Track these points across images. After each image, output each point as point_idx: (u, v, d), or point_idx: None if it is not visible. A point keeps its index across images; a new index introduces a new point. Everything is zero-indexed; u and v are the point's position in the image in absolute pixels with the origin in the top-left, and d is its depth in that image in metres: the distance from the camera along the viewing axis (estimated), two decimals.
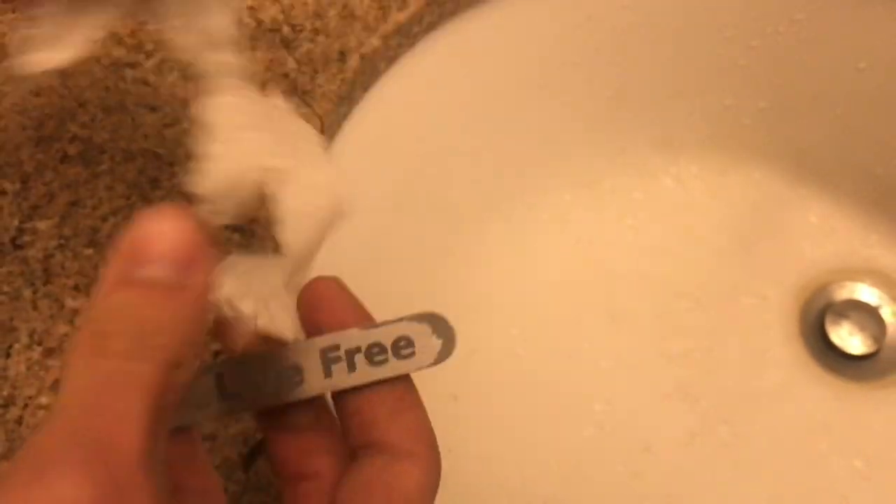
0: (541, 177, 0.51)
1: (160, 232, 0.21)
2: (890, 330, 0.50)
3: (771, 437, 0.47)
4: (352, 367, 0.24)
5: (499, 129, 0.48)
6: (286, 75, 0.36)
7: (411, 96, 0.42)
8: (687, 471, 0.47)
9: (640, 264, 0.52)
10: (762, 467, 0.47)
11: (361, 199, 0.35)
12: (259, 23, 0.37)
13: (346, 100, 0.37)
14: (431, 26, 0.40)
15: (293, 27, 0.37)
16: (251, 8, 0.38)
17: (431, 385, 0.30)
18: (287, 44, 0.37)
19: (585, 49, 0.46)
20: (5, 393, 0.31)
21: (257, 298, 0.22)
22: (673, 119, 0.52)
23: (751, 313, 0.51)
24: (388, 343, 0.24)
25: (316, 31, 0.37)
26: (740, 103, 0.51)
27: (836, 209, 0.53)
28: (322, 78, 0.36)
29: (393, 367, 0.24)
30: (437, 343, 0.24)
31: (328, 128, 0.37)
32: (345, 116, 0.38)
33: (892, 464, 0.47)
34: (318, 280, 0.25)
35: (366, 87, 0.39)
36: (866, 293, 0.51)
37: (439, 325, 0.24)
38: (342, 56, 0.37)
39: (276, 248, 0.24)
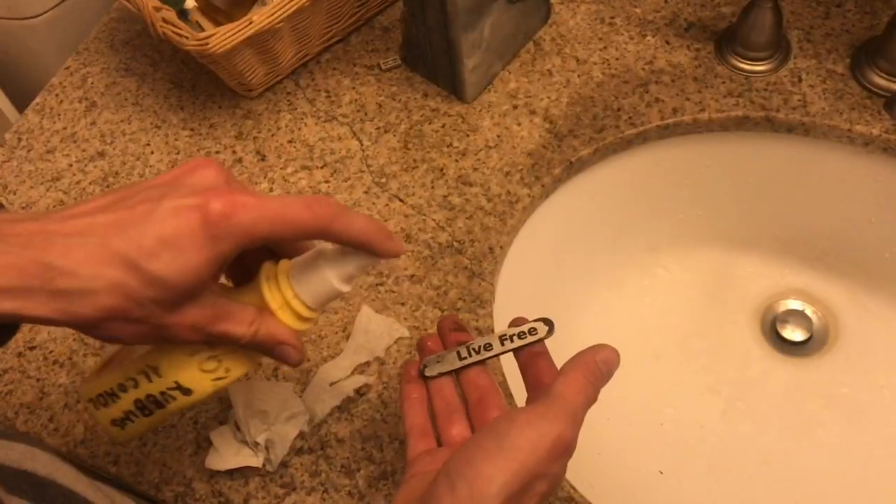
0: (594, 274, 0.79)
1: None
2: (815, 322, 0.77)
3: (766, 399, 0.74)
4: (513, 341, 0.47)
5: (587, 246, 0.76)
6: (466, 267, 0.66)
7: (542, 230, 0.70)
8: (725, 434, 0.73)
9: (659, 321, 0.79)
10: (767, 418, 0.73)
11: (531, 269, 0.62)
12: (440, 244, 0.67)
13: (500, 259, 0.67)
14: (536, 203, 0.70)
15: (460, 242, 0.67)
16: (432, 237, 0.67)
17: None
18: (460, 251, 0.67)
19: (605, 206, 0.76)
20: None
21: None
22: (652, 233, 0.80)
23: (732, 332, 0.78)
24: (526, 330, 0.47)
25: (472, 241, 0.67)
26: (687, 215, 0.79)
27: (760, 260, 0.80)
28: (486, 263, 0.66)
29: (530, 340, 0.47)
30: (546, 329, 0.46)
31: (499, 258, 0.65)
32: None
33: (833, 399, 0.74)
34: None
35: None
36: (794, 304, 0.78)
37: (548, 322, 0.46)
38: (492, 250, 0.67)
39: None
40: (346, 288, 0.43)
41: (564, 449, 0.40)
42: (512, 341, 0.47)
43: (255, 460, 0.57)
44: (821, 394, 0.75)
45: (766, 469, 0.71)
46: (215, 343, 0.42)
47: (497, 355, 0.47)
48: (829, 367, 0.76)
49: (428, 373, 0.47)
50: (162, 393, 0.44)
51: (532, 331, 0.47)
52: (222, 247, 0.38)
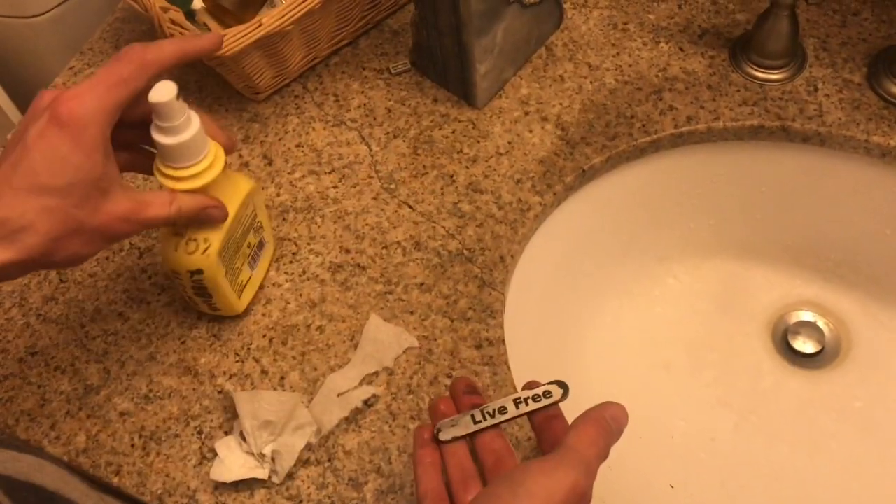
0: (605, 284, 0.78)
1: None
2: (827, 334, 0.76)
3: (778, 412, 0.73)
4: (528, 404, 0.47)
5: (598, 255, 0.75)
6: (476, 276, 0.65)
7: (553, 239, 0.69)
8: (738, 447, 0.72)
9: (670, 331, 0.78)
10: (779, 432, 0.72)
11: (541, 278, 0.61)
12: (450, 252, 0.66)
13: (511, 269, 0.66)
14: (545, 213, 0.69)
15: (470, 250, 0.66)
16: (442, 245, 0.66)
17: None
18: (470, 259, 0.66)
19: (617, 215, 0.75)
20: None
21: None
22: (663, 243, 0.79)
23: (743, 345, 0.77)
24: (541, 393, 0.47)
25: (483, 250, 0.66)
26: (699, 225, 0.78)
27: (771, 271, 0.79)
28: (497, 272, 0.65)
29: (545, 403, 0.46)
30: (560, 392, 0.46)
31: (510, 267, 0.64)
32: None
33: (846, 412, 0.73)
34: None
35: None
36: (806, 315, 0.77)
37: (562, 385, 0.47)
38: (502, 259, 0.66)
39: None
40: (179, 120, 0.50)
41: (580, 497, 0.40)
42: (527, 404, 0.47)
43: (262, 472, 0.56)
44: (833, 407, 0.74)
45: (779, 484, 0.70)
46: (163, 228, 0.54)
47: (512, 419, 0.47)
48: (842, 380, 0.75)
49: (442, 437, 0.46)
50: (192, 285, 0.58)
51: (547, 394, 0.47)
52: (86, 136, 0.45)
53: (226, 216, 0.55)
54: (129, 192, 0.49)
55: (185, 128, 0.50)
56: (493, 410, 0.47)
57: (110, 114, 0.46)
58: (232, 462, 0.56)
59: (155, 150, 0.52)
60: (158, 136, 0.50)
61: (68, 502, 0.41)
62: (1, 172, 0.45)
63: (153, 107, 0.49)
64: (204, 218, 0.54)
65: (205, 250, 0.56)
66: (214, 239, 0.56)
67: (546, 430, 0.46)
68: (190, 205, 0.52)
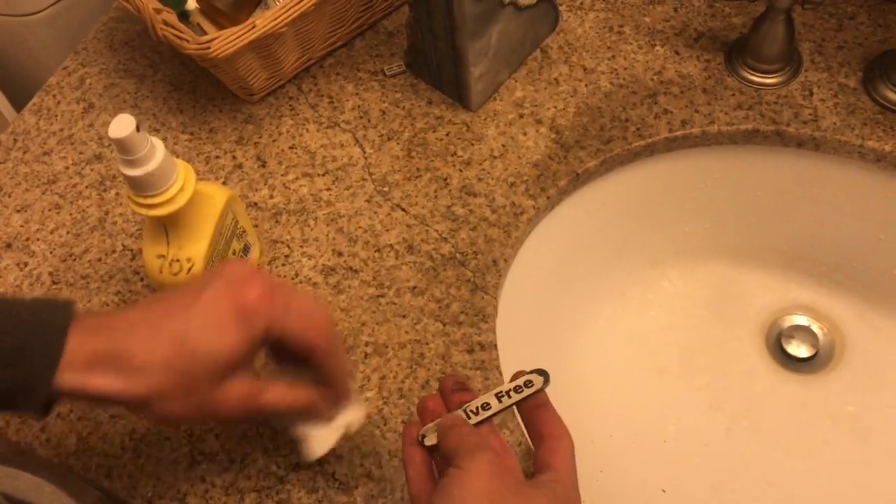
0: (598, 287, 0.78)
1: None
2: (821, 338, 0.76)
3: (771, 417, 0.73)
4: (510, 396, 0.47)
5: (592, 259, 0.75)
6: (468, 280, 0.65)
7: (547, 243, 0.69)
8: (731, 451, 0.72)
9: (663, 336, 0.78)
10: (772, 436, 0.72)
11: (534, 282, 0.61)
12: (442, 255, 0.66)
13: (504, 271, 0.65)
14: (537, 218, 0.69)
15: (463, 254, 0.66)
16: (435, 249, 0.66)
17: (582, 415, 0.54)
18: (463, 263, 0.66)
19: (611, 219, 0.75)
20: None
21: None
22: (657, 246, 0.79)
23: (735, 349, 0.77)
24: (522, 383, 0.47)
25: (475, 253, 0.66)
26: (693, 228, 0.78)
27: (765, 275, 0.79)
28: (490, 276, 0.65)
29: (527, 393, 0.46)
30: (541, 380, 0.47)
31: (503, 270, 0.64)
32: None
33: (839, 417, 0.72)
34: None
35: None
36: (800, 319, 0.77)
37: (542, 373, 0.47)
38: (495, 263, 0.66)
39: None
40: None
41: None
42: (509, 396, 0.47)
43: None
44: (827, 412, 0.74)
45: (771, 488, 0.70)
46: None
47: (496, 413, 0.47)
48: (836, 385, 0.75)
49: (427, 442, 0.46)
50: None
51: (528, 383, 0.47)
52: (253, 332, 0.45)
53: (330, 415, 0.52)
54: (253, 375, 0.48)
55: (149, 158, 0.50)
56: (477, 408, 0.47)
57: (274, 339, 0.47)
58: (318, 434, 0.54)
59: None
60: (125, 169, 0.50)
61: None
62: (156, 307, 0.45)
63: (113, 142, 0.49)
64: (312, 413, 0.51)
65: (189, 269, 0.56)
66: (197, 258, 0.57)
67: (533, 419, 0.46)
68: (301, 400, 0.49)
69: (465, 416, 0.46)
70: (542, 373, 0.47)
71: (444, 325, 0.62)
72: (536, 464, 0.45)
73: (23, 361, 0.41)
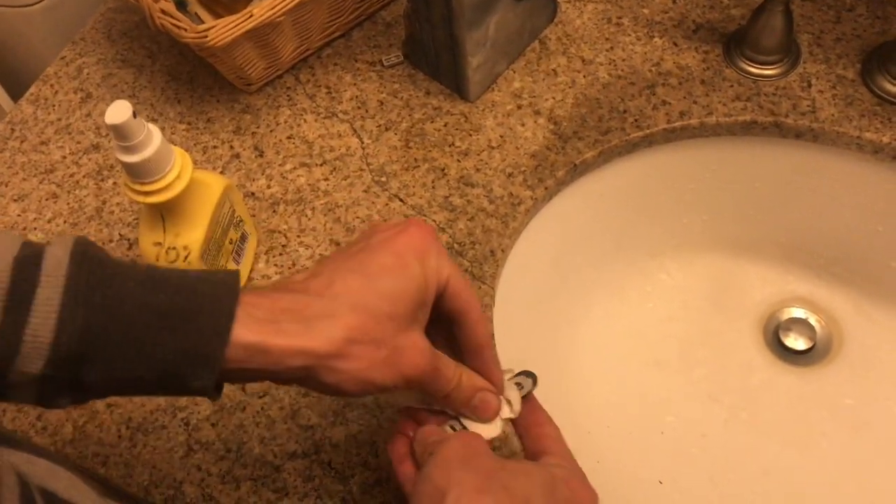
0: (596, 279, 0.78)
1: None
2: (818, 331, 0.76)
3: (769, 409, 0.73)
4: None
5: (590, 250, 0.75)
6: (466, 270, 0.65)
7: (544, 234, 0.69)
8: (728, 443, 0.72)
9: (661, 327, 0.77)
10: (769, 428, 0.72)
11: (532, 273, 0.61)
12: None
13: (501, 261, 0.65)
14: (537, 206, 0.69)
15: (460, 244, 0.66)
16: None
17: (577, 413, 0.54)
18: (460, 253, 0.66)
19: (609, 210, 0.75)
20: None
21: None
22: (656, 238, 0.79)
23: (734, 341, 0.77)
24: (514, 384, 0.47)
25: (473, 244, 0.66)
26: (692, 220, 0.78)
27: (763, 267, 0.79)
28: (487, 266, 0.65)
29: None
30: (530, 382, 0.47)
31: (500, 261, 0.64)
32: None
33: (837, 410, 0.72)
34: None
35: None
36: (798, 312, 0.77)
37: (530, 374, 0.47)
38: (493, 253, 0.65)
39: None
40: None
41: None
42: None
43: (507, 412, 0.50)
44: (824, 404, 0.74)
45: (768, 480, 0.70)
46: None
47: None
48: (833, 378, 0.75)
49: None
50: None
51: (518, 386, 0.47)
52: (427, 271, 0.42)
53: (496, 413, 0.47)
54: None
55: (146, 144, 0.50)
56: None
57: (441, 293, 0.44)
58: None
59: None
60: (121, 156, 0.50)
61: None
62: (334, 259, 0.42)
63: (110, 128, 0.48)
64: (477, 401, 0.45)
65: (185, 257, 0.56)
66: (194, 246, 0.57)
67: (523, 419, 0.46)
68: (473, 380, 0.45)
69: (460, 425, 0.46)
70: (529, 374, 0.47)
71: None
72: (528, 454, 0.45)
73: (193, 323, 0.37)
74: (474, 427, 0.46)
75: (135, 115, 0.48)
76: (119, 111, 0.48)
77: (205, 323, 0.37)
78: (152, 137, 0.50)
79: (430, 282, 0.42)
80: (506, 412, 0.47)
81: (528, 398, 0.47)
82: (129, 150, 0.50)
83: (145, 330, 0.36)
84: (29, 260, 0.36)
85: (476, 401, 0.45)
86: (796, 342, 0.76)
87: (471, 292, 0.44)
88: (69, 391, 0.37)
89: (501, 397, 0.47)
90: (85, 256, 0.37)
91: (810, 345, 0.76)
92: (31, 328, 0.34)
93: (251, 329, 0.37)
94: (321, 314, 0.39)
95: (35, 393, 0.36)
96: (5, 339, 0.34)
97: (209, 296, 0.37)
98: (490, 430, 0.46)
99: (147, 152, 0.50)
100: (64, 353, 0.35)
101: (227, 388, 0.60)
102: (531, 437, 0.45)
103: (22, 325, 0.34)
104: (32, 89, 0.79)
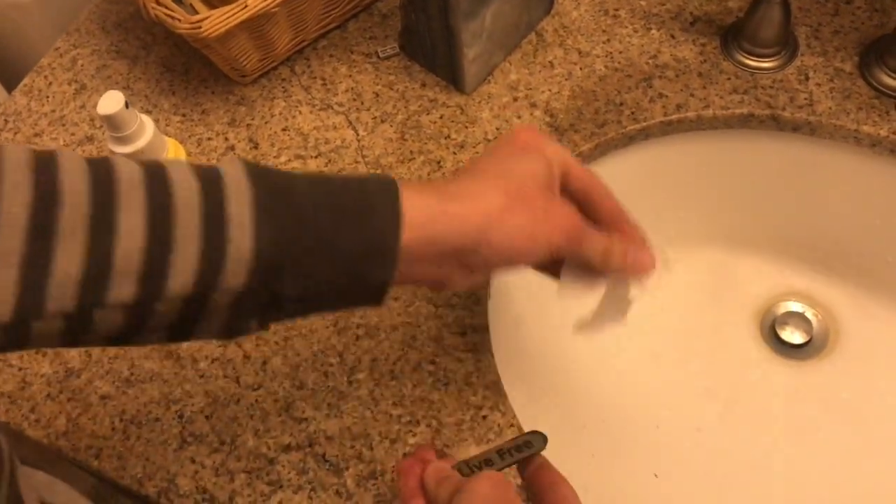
0: None
1: None
2: (815, 325, 0.76)
3: (765, 403, 0.73)
4: (512, 455, 0.46)
5: None
6: None
7: None
8: (724, 437, 0.71)
9: (657, 321, 0.77)
10: (765, 422, 0.72)
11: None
12: None
13: None
14: None
15: None
16: None
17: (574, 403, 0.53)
18: None
19: None
20: None
21: None
22: (652, 232, 0.79)
23: (731, 335, 0.77)
24: (522, 443, 0.45)
25: None
26: (688, 214, 0.77)
27: (760, 261, 0.79)
28: None
29: (528, 453, 0.45)
30: (540, 439, 0.46)
31: None
32: None
33: (832, 403, 0.72)
34: None
35: None
36: (795, 306, 0.77)
37: (539, 434, 0.46)
38: None
39: None
40: None
41: None
42: (511, 455, 0.46)
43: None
44: (820, 398, 0.73)
45: (764, 474, 0.70)
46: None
47: (499, 469, 0.46)
48: (829, 371, 0.74)
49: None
50: None
51: (528, 444, 0.47)
52: (547, 155, 0.44)
53: (653, 260, 0.48)
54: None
55: (139, 135, 0.50)
56: (480, 463, 0.46)
57: (565, 172, 0.46)
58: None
59: None
60: (114, 146, 0.50)
61: None
62: (468, 167, 0.45)
63: (102, 119, 0.48)
64: (632, 260, 0.47)
65: None
66: None
67: (534, 480, 0.45)
68: (621, 242, 0.46)
69: (469, 469, 0.46)
70: (538, 434, 0.47)
71: (437, 307, 0.62)
72: None
73: (369, 218, 0.38)
74: (622, 289, 0.49)
75: (127, 105, 0.48)
76: (111, 102, 0.48)
77: (379, 217, 0.38)
78: (145, 128, 0.50)
79: (553, 163, 0.44)
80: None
81: (535, 459, 0.47)
82: (122, 140, 0.50)
83: (328, 230, 0.37)
84: (210, 181, 0.36)
85: (632, 256, 0.46)
86: (793, 336, 0.76)
87: (591, 173, 0.47)
88: (261, 311, 0.38)
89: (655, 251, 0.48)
90: (257, 171, 0.38)
91: (807, 339, 0.76)
92: (234, 243, 0.35)
93: (432, 197, 0.40)
94: (481, 189, 0.42)
95: (229, 314, 0.37)
96: (211, 256, 0.35)
97: (376, 192, 0.39)
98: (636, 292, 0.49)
99: (140, 143, 0.50)
100: (265, 264, 0.36)
101: (221, 381, 0.60)
102: (550, 499, 0.44)
103: (225, 241, 0.35)
104: (26, 80, 0.79)
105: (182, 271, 0.35)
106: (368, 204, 0.38)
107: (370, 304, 0.41)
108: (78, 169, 0.35)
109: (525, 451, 0.47)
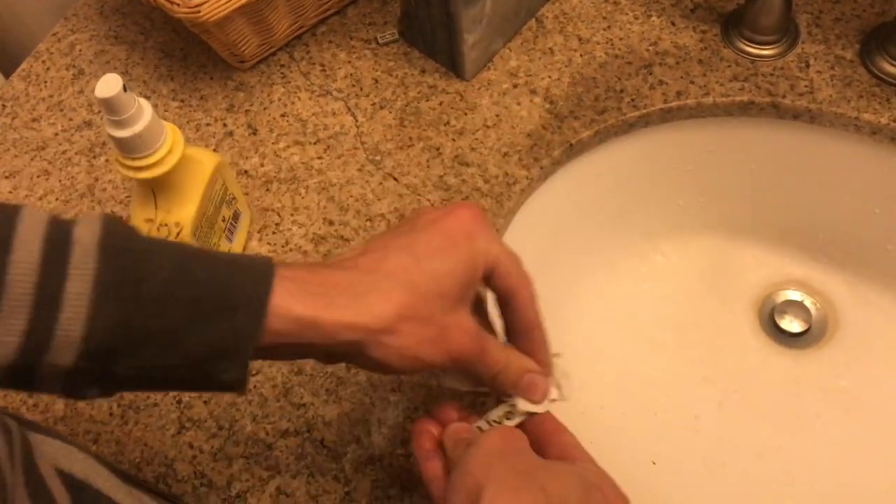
0: (591, 259, 0.77)
1: None
2: (814, 314, 0.76)
3: (763, 391, 0.73)
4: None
5: (585, 230, 0.75)
6: None
7: (540, 214, 0.68)
8: (722, 425, 0.72)
9: (656, 309, 0.77)
10: (763, 410, 0.72)
11: (527, 253, 0.62)
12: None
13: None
14: (530, 189, 0.68)
15: None
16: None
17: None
18: None
19: (604, 191, 0.74)
20: None
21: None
22: (651, 220, 0.78)
23: (730, 324, 0.76)
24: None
25: None
26: (688, 202, 0.77)
27: (759, 250, 0.79)
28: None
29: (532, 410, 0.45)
30: (556, 393, 0.46)
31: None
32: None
33: (831, 392, 0.72)
34: None
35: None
36: (794, 295, 0.77)
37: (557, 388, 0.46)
38: None
39: None
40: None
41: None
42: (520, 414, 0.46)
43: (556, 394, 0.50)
44: (818, 386, 0.73)
45: (762, 462, 0.70)
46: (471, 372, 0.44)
47: (520, 422, 0.45)
48: (828, 360, 0.74)
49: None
50: None
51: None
52: (475, 253, 0.42)
53: (544, 396, 0.46)
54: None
55: (137, 118, 0.49)
56: (500, 418, 0.45)
57: (488, 273, 0.44)
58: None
59: None
60: (112, 130, 0.50)
61: (98, 493, 0.41)
62: (382, 240, 0.43)
63: (100, 102, 0.48)
64: (525, 383, 0.45)
65: (177, 234, 0.56)
66: (185, 222, 0.56)
67: (537, 432, 0.45)
68: (522, 362, 0.45)
69: (487, 425, 0.45)
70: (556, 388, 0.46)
71: None
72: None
73: (226, 319, 0.36)
74: (524, 406, 0.45)
75: (125, 88, 0.48)
76: (109, 85, 0.47)
77: (238, 318, 0.36)
78: (143, 112, 0.50)
79: (478, 262, 0.42)
80: (553, 394, 0.46)
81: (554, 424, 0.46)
82: (120, 124, 0.49)
83: (178, 323, 0.36)
84: (57, 248, 0.35)
85: (525, 382, 0.44)
86: (792, 325, 0.76)
87: (521, 273, 0.44)
88: (98, 383, 0.37)
89: (549, 379, 0.46)
90: (114, 243, 0.36)
91: (805, 327, 0.76)
92: (63, 323, 0.34)
93: (304, 303, 0.37)
94: (372, 290, 0.39)
95: (63, 384, 0.36)
96: (36, 334, 0.34)
97: (242, 290, 0.37)
98: (539, 409, 0.45)
99: (138, 127, 0.50)
100: (95, 347, 0.35)
101: None
102: (554, 445, 0.44)
103: (53, 320, 0.34)
104: (24, 65, 0.78)
105: (4, 343, 0.34)
106: (230, 304, 0.36)
107: (224, 391, 0.39)
108: None
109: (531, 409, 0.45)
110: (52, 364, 0.34)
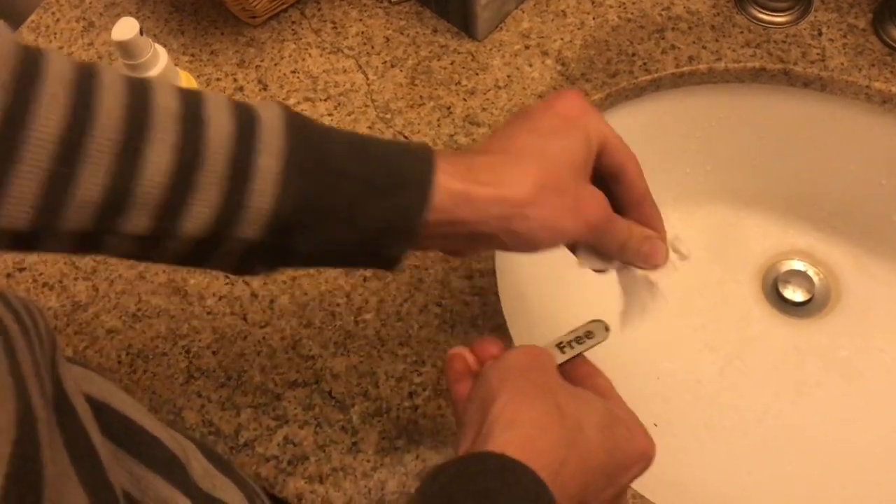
0: None
1: None
2: (817, 284, 0.76)
3: (765, 359, 0.73)
4: (573, 347, 0.45)
5: None
6: None
7: None
8: (722, 391, 0.72)
9: (659, 276, 0.79)
10: (764, 377, 0.73)
11: None
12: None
13: None
14: None
15: None
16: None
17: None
18: None
19: None
20: None
21: None
22: (658, 187, 0.79)
23: (734, 292, 0.77)
24: (583, 334, 0.46)
25: None
26: (695, 170, 0.78)
27: (764, 219, 0.79)
28: None
29: (589, 345, 0.45)
30: (603, 331, 0.46)
31: None
32: None
33: (831, 361, 0.73)
34: None
35: None
36: (797, 265, 0.77)
37: (602, 324, 0.46)
38: None
39: None
40: None
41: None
42: (572, 347, 0.46)
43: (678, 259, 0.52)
44: (819, 355, 0.74)
45: (761, 427, 0.70)
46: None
47: (559, 365, 0.45)
48: (829, 329, 0.75)
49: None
50: None
51: (589, 334, 0.46)
52: (588, 131, 0.43)
53: (665, 260, 0.48)
54: None
55: (152, 64, 0.49)
56: (567, 342, 0.46)
57: (601, 149, 0.45)
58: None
59: None
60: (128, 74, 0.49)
61: (117, 413, 0.42)
62: (502, 134, 0.43)
63: (116, 45, 0.47)
64: (648, 250, 0.47)
65: None
66: None
67: (571, 374, 0.45)
68: (638, 231, 0.46)
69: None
70: (600, 322, 0.47)
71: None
72: None
73: (397, 195, 0.37)
74: (646, 275, 0.48)
75: (142, 32, 0.48)
76: (126, 28, 0.47)
77: (407, 193, 0.38)
78: (159, 57, 0.50)
79: (593, 139, 0.43)
80: (674, 257, 0.48)
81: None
82: (135, 68, 0.49)
83: (355, 199, 0.37)
84: (245, 126, 0.35)
85: (646, 248, 0.46)
86: (794, 294, 0.76)
87: (628, 148, 0.46)
88: (273, 258, 0.38)
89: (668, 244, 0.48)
90: (295, 123, 0.37)
91: (808, 297, 0.76)
92: (255, 197, 0.35)
93: (459, 180, 0.39)
94: (510, 167, 0.41)
95: (239, 259, 0.37)
96: (230, 206, 0.35)
97: (410, 168, 0.38)
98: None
99: (153, 71, 0.50)
100: (282, 221, 0.36)
101: (228, 318, 0.60)
102: (588, 387, 0.44)
103: (247, 193, 0.35)
104: (33, 17, 0.78)
105: (199, 215, 0.34)
106: (400, 179, 0.38)
107: (381, 268, 0.41)
108: (116, 90, 0.34)
109: (587, 342, 0.46)
110: (238, 238, 0.36)
